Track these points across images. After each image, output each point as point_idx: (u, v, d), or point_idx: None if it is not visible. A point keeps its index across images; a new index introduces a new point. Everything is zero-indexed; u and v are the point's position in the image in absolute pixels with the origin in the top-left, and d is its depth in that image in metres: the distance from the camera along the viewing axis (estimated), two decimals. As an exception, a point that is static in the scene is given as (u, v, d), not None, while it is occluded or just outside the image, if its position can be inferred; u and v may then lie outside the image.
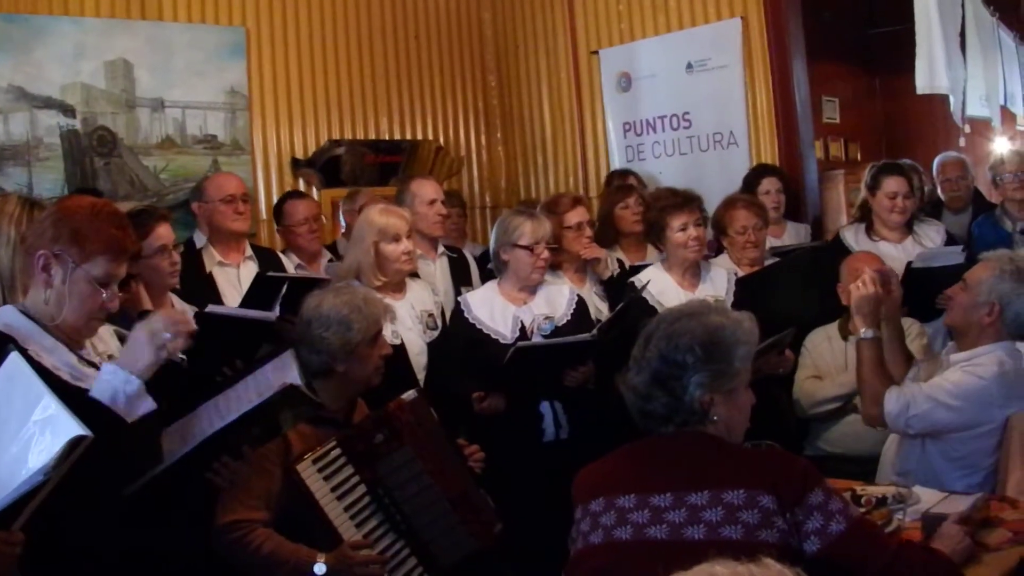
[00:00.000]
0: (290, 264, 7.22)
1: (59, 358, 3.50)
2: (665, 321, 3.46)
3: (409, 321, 5.86)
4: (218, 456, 3.87)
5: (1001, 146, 12.26)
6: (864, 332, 4.90)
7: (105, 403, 3.38)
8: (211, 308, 5.22)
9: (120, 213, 3.79)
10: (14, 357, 3.22)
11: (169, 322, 3.58)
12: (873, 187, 7.08)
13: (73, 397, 3.24)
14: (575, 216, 6.66)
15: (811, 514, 3.08)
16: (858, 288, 5.00)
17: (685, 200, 6.44)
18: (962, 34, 10.12)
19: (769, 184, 8.16)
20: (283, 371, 4.12)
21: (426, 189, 7.03)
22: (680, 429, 3.35)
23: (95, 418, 3.13)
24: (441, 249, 7.12)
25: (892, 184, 7.00)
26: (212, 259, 6.27)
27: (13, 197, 4.28)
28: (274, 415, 4.00)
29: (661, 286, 6.34)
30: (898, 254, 6.88)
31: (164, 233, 5.32)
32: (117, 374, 3.43)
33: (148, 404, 3.48)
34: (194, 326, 3.67)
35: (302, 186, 9.69)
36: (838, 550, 3.07)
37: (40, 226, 3.60)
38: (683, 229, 6.32)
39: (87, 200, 3.76)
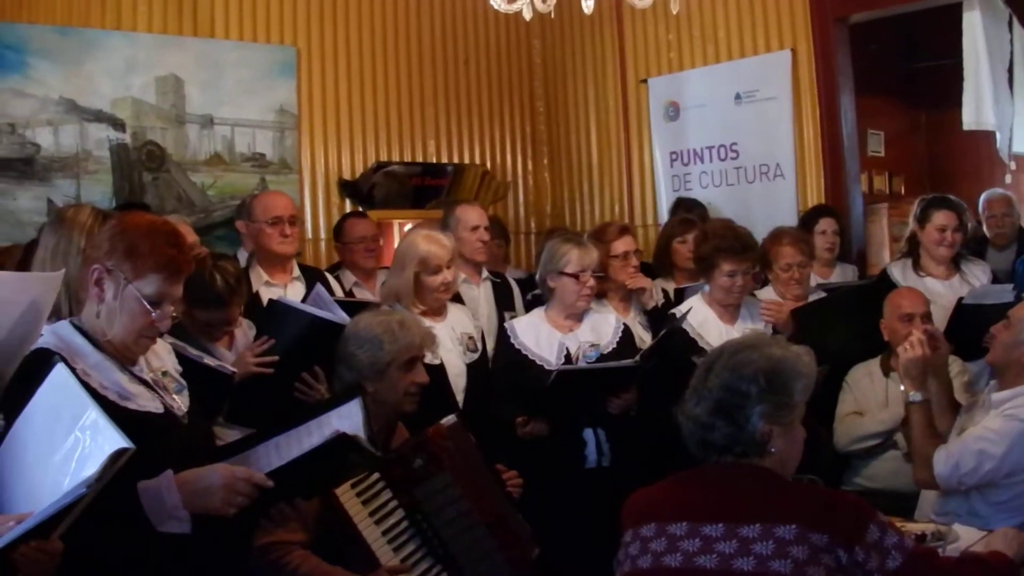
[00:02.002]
0: (345, 282, 7.35)
1: (107, 377, 3.48)
2: (727, 352, 3.48)
3: (449, 343, 5.89)
4: (269, 503, 3.81)
5: (1049, 182, 12.23)
6: (913, 395, 4.86)
7: (145, 512, 3.33)
8: (280, 298, 5.31)
9: (178, 232, 3.75)
10: (60, 369, 3.22)
11: (252, 485, 3.49)
12: (922, 220, 7.03)
13: (118, 416, 3.18)
14: (622, 245, 6.65)
15: (870, 552, 3.08)
16: (906, 351, 4.97)
17: (744, 248, 6.37)
18: (1010, 69, 10.08)
19: (826, 224, 8.12)
20: (347, 419, 4.10)
21: (470, 215, 7.06)
22: (737, 460, 3.36)
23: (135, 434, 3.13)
24: (485, 274, 7.13)
25: (942, 217, 6.94)
26: (259, 279, 6.24)
27: (87, 208, 4.30)
28: (333, 466, 3.99)
29: (701, 318, 6.34)
30: (945, 291, 6.83)
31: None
32: (179, 509, 3.36)
33: (183, 527, 3.39)
34: (270, 484, 3.56)
35: (348, 207, 9.73)
36: None
37: (98, 239, 3.61)
38: (732, 275, 6.29)
39: (147, 217, 3.76)
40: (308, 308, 5.33)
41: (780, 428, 3.34)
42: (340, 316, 5.17)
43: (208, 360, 4.75)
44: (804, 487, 3.38)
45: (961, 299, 6.43)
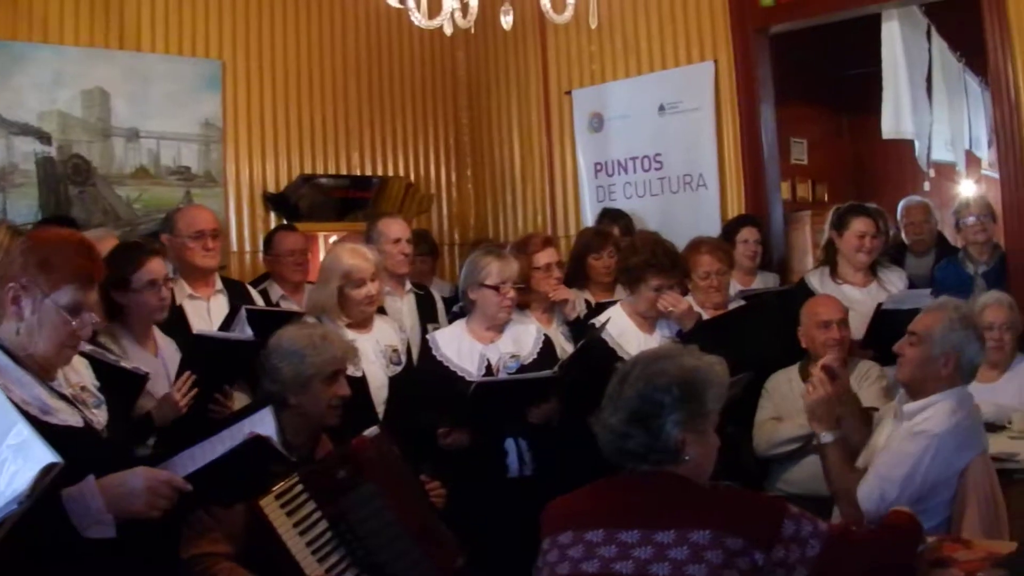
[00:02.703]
0: (272, 295, 7.49)
1: (28, 392, 3.49)
2: (641, 362, 3.55)
3: (372, 355, 5.92)
4: (190, 507, 3.86)
5: (966, 189, 12.43)
6: (824, 436, 4.83)
7: (70, 518, 3.35)
8: (201, 331, 5.33)
9: (88, 242, 3.80)
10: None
11: (172, 488, 3.54)
12: (840, 227, 7.14)
13: (40, 431, 3.20)
14: (545, 257, 6.73)
15: (789, 547, 3.16)
16: (809, 392, 5.00)
17: (673, 264, 6.48)
18: (929, 79, 10.23)
19: (748, 234, 8.19)
20: (259, 426, 4.18)
21: (392, 228, 7.15)
22: (653, 468, 3.42)
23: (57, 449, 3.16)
24: (408, 286, 7.21)
25: (860, 224, 7.07)
26: (182, 292, 6.22)
27: (2, 227, 4.32)
28: (249, 470, 4.04)
29: (621, 327, 6.41)
30: (863, 298, 6.96)
31: (155, 267, 5.40)
32: (103, 514, 3.39)
33: (108, 532, 3.42)
34: (188, 487, 3.60)
35: (274, 220, 9.74)
36: (825, 568, 3.19)
37: (10, 257, 3.62)
38: (658, 290, 6.37)
39: (56, 231, 3.82)
40: (226, 335, 5.52)
41: (694, 436, 3.41)
42: (247, 336, 5.38)
43: (124, 363, 4.84)
44: (718, 492, 3.43)
45: (880, 304, 6.53)
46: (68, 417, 3.60)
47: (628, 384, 3.48)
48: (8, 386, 3.42)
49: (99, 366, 4.18)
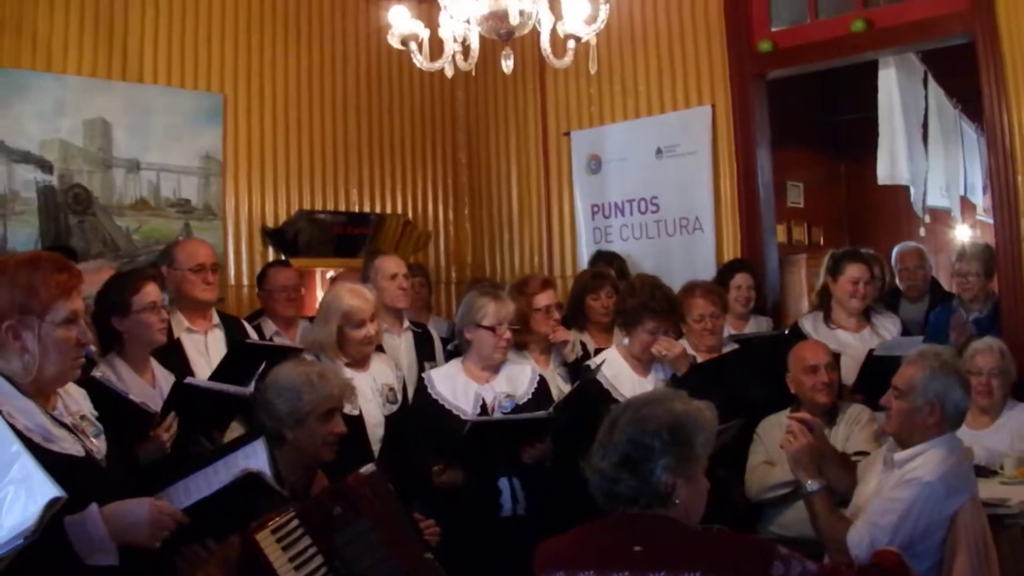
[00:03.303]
0: (266, 330, 7.43)
1: (31, 420, 3.51)
2: (631, 407, 3.59)
3: (369, 393, 5.96)
4: (184, 540, 3.88)
5: (962, 234, 12.46)
6: (810, 485, 4.89)
7: (73, 547, 3.38)
8: (189, 380, 5.33)
9: (58, 257, 3.83)
10: (-7, 418, 3.27)
11: (174, 519, 3.62)
12: (835, 272, 7.20)
13: (42, 458, 3.27)
14: (545, 299, 6.81)
15: None
16: (789, 443, 5.04)
17: (669, 309, 6.53)
18: (925, 125, 10.27)
19: (741, 280, 8.20)
20: (253, 458, 4.21)
21: (388, 264, 7.20)
22: (643, 511, 3.44)
23: (59, 477, 3.19)
24: (407, 323, 7.24)
25: (854, 270, 7.14)
26: (180, 325, 6.26)
27: None
28: (242, 504, 4.08)
29: (615, 370, 6.45)
30: (856, 343, 7.03)
31: (153, 291, 5.44)
32: (106, 542, 3.43)
33: (111, 560, 3.47)
34: (187, 520, 3.69)
35: (271, 254, 9.79)
36: None
37: None
38: (653, 333, 6.42)
39: (20, 256, 3.83)
40: (215, 385, 5.47)
41: (684, 480, 3.44)
42: (242, 389, 5.38)
43: (133, 397, 4.87)
44: (708, 534, 3.46)
45: (872, 351, 6.57)
46: (69, 446, 3.63)
47: (618, 429, 3.52)
48: (12, 413, 3.45)
49: (107, 396, 4.23)
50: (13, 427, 3.37)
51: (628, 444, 3.46)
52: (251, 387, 5.43)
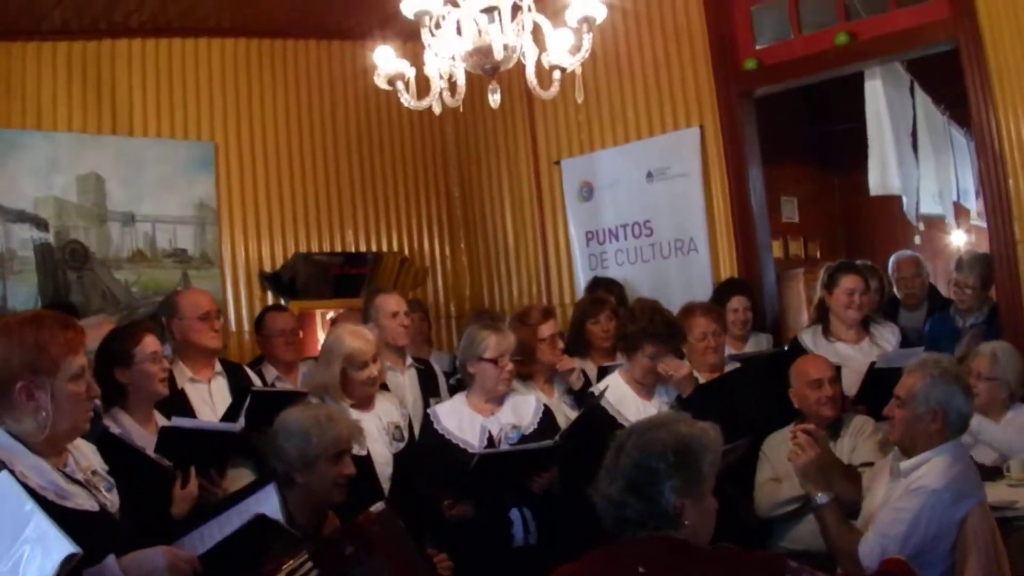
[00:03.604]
0: (267, 375, 7.42)
1: (44, 478, 3.54)
2: (636, 432, 3.60)
3: (376, 432, 5.95)
4: None
5: (958, 239, 12.47)
6: (820, 498, 4.95)
7: None
8: (175, 421, 5.36)
9: (58, 314, 3.89)
10: (4, 477, 3.30)
11: (191, 567, 3.66)
12: (830, 285, 7.21)
13: (57, 516, 3.30)
14: (548, 328, 6.84)
15: None
16: (797, 456, 5.09)
17: (670, 333, 6.54)
18: (914, 133, 10.29)
19: (737, 303, 8.22)
20: (263, 503, 4.24)
21: (388, 303, 7.21)
22: (652, 534, 3.45)
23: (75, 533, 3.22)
24: (409, 361, 7.25)
25: (849, 281, 7.13)
26: (183, 375, 6.24)
27: None
28: (255, 547, 4.10)
29: (619, 394, 6.48)
30: (856, 355, 7.01)
31: (152, 341, 5.48)
32: None
33: None
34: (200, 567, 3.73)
35: (270, 298, 9.83)
36: None
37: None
38: (653, 358, 6.45)
39: (23, 316, 3.83)
40: (199, 423, 5.60)
41: (691, 500, 3.45)
42: (230, 425, 5.46)
43: (150, 452, 4.90)
44: (717, 553, 3.48)
45: (873, 363, 6.58)
46: (83, 501, 3.65)
47: (624, 454, 3.53)
48: (25, 473, 3.47)
49: (121, 451, 4.26)
50: (27, 486, 3.40)
51: (634, 468, 3.47)
52: (240, 423, 5.48)
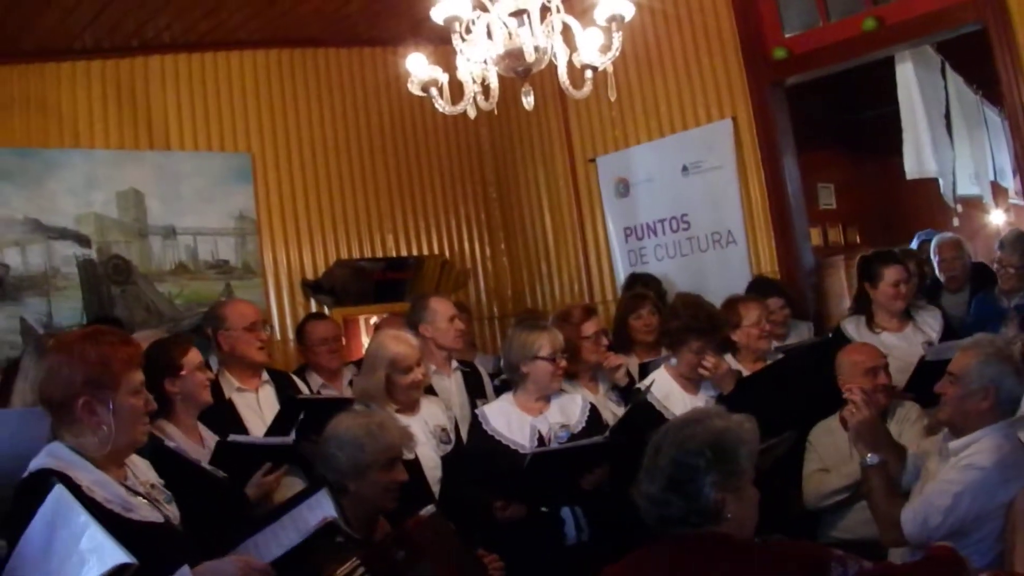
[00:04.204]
0: (312, 383, 7.44)
1: (110, 491, 3.60)
2: (672, 430, 3.61)
3: (423, 436, 5.95)
4: None
5: (997, 219, 12.41)
6: (870, 458, 5.01)
7: None
8: (232, 437, 5.40)
9: (116, 330, 4.02)
10: (58, 490, 3.37)
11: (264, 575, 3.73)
12: (874, 279, 7.12)
13: (124, 528, 3.41)
14: (591, 326, 6.84)
15: None
16: (852, 414, 5.12)
17: (713, 328, 6.56)
18: (947, 115, 10.24)
19: (773, 304, 8.03)
20: (318, 509, 4.28)
21: (444, 307, 7.18)
22: (696, 530, 3.46)
23: (142, 545, 3.31)
24: (455, 364, 7.24)
25: (893, 273, 7.05)
26: (230, 385, 6.29)
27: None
28: (321, 551, 4.14)
29: (666, 390, 6.49)
30: (899, 343, 6.97)
31: (197, 352, 5.55)
32: None
33: None
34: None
35: (314, 306, 9.88)
36: None
37: (60, 376, 3.69)
38: (699, 352, 6.47)
39: (82, 333, 3.92)
40: (255, 439, 5.65)
41: (732, 495, 3.46)
42: (283, 440, 5.50)
43: (206, 465, 4.95)
44: (764, 546, 3.52)
45: (923, 357, 6.52)
46: (148, 513, 3.72)
47: (661, 453, 3.54)
48: (92, 487, 3.53)
49: (175, 464, 4.31)
50: (93, 499, 3.47)
51: (673, 466, 3.49)
52: (292, 436, 5.53)
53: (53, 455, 3.62)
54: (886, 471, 5.01)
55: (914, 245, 9.25)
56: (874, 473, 4.98)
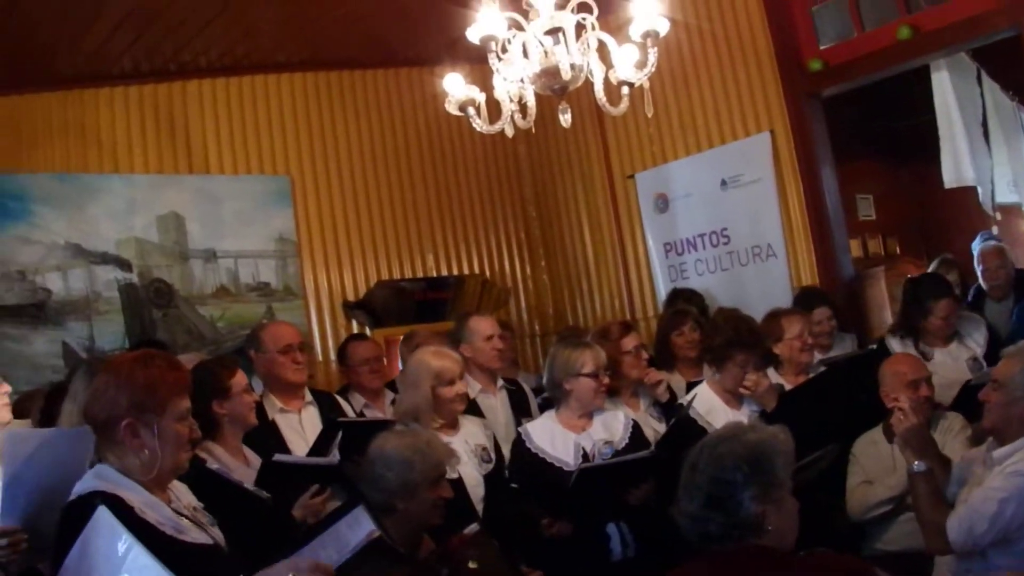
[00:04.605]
0: (355, 404, 7.38)
1: (160, 513, 3.60)
2: (707, 447, 3.62)
3: (465, 456, 5.93)
4: None
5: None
6: (917, 465, 4.98)
7: None
8: (278, 457, 5.41)
9: (167, 355, 3.99)
10: (102, 512, 3.36)
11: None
12: (925, 310, 7.10)
13: (178, 550, 3.44)
14: (631, 342, 6.83)
15: None
16: (900, 421, 5.11)
17: (755, 341, 6.53)
18: (984, 122, 10.19)
19: (820, 314, 8.07)
20: (357, 526, 4.29)
21: (483, 325, 7.22)
22: (738, 544, 3.46)
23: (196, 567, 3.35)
24: (501, 383, 7.26)
25: (944, 308, 7.05)
26: (273, 407, 6.30)
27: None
28: (367, 566, 4.15)
29: (708, 405, 6.44)
30: (944, 359, 6.99)
31: (243, 374, 5.55)
32: None
33: None
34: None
35: (355, 327, 9.89)
36: None
37: (106, 397, 3.69)
38: (743, 366, 6.43)
39: (133, 356, 3.88)
40: (300, 459, 5.63)
41: (772, 506, 3.46)
42: (329, 460, 5.47)
43: (248, 486, 4.96)
44: (805, 559, 3.51)
45: (968, 382, 6.46)
46: (197, 535, 3.72)
47: (698, 471, 3.55)
48: (143, 509, 3.54)
49: (218, 486, 4.33)
50: (147, 521, 3.49)
51: (711, 484, 3.50)
52: (336, 456, 5.52)
53: (101, 477, 3.62)
54: (933, 478, 4.99)
55: (976, 246, 9.14)
56: (921, 480, 4.96)
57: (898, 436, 5.15)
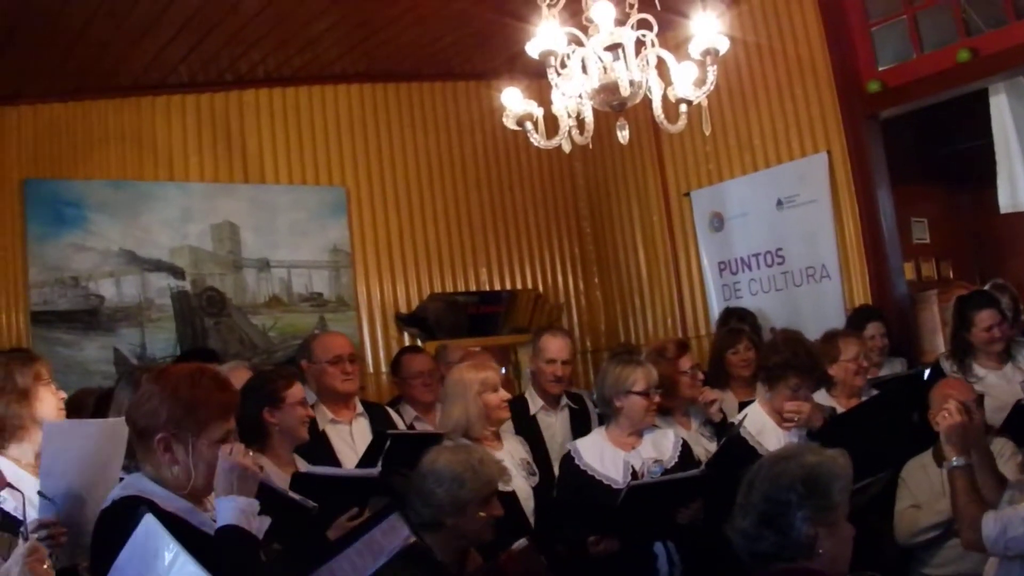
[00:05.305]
0: (406, 416, 7.40)
1: (196, 519, 3.61)
2: (764, 466, 3.62)
3: (513, 469, 5.94)
4: None
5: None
6: (956, 460, 4.97)
7: (242, 526, 3.52)
8: (308, 469, 5.43)
9: (218, 374, 3.95)
10: (148, 519, 3.37)
11: (240, 459, 3.68)
12: (967, 323, 7.08)
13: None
14: (687, 362, 6.88)
15: None
16: (945, 418, 5.09)
17: (813, 365, 6.48)
18: (1042, 147, 10.10)
19: (874, 329, 8.13)
20: (393, 534, 4.28)
21: (550, 347, 7.27)
22: (788, 566, 3.45)
23: (234, 548, 3.41)
24: (564, 400, 7.29)
25: (986, 318, 7.00)
26: (324, 417, 6.34)
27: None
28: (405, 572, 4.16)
29: (759, 425, 6.40)
30: (998, 380, 6.93)
31: (300, 388, 5.61)
32: (236, 500, 3.56)
33: (265, 521, 3.66)
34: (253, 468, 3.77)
35: (407, 339, 9.91)
36: None
37: (147, 407, 3.69)
38: (796, 389, 6.38)
39: (183, 370, 3.87)
40: (332, 470, 5.69)
41: (825, 529, 3.45)
42: (367, 472, 5.50)
43: (292, 494, 4.96)
44: (857, 584, 3.49)
45: (1020, 401, 6.43)
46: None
47: (754, 488, 3.55)
48: (187, 519, 3.56)
49: (264, 494, 4.35)
50: (188, 524, 3.52)
51: (765, 502, 3.49)
52: (378, 467, 5.50)
53: (135, 485, 3.64)
54: (971, 474, 4.97)
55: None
56: (958, 475, 4.96)
57: (941, 432, 5.13)
